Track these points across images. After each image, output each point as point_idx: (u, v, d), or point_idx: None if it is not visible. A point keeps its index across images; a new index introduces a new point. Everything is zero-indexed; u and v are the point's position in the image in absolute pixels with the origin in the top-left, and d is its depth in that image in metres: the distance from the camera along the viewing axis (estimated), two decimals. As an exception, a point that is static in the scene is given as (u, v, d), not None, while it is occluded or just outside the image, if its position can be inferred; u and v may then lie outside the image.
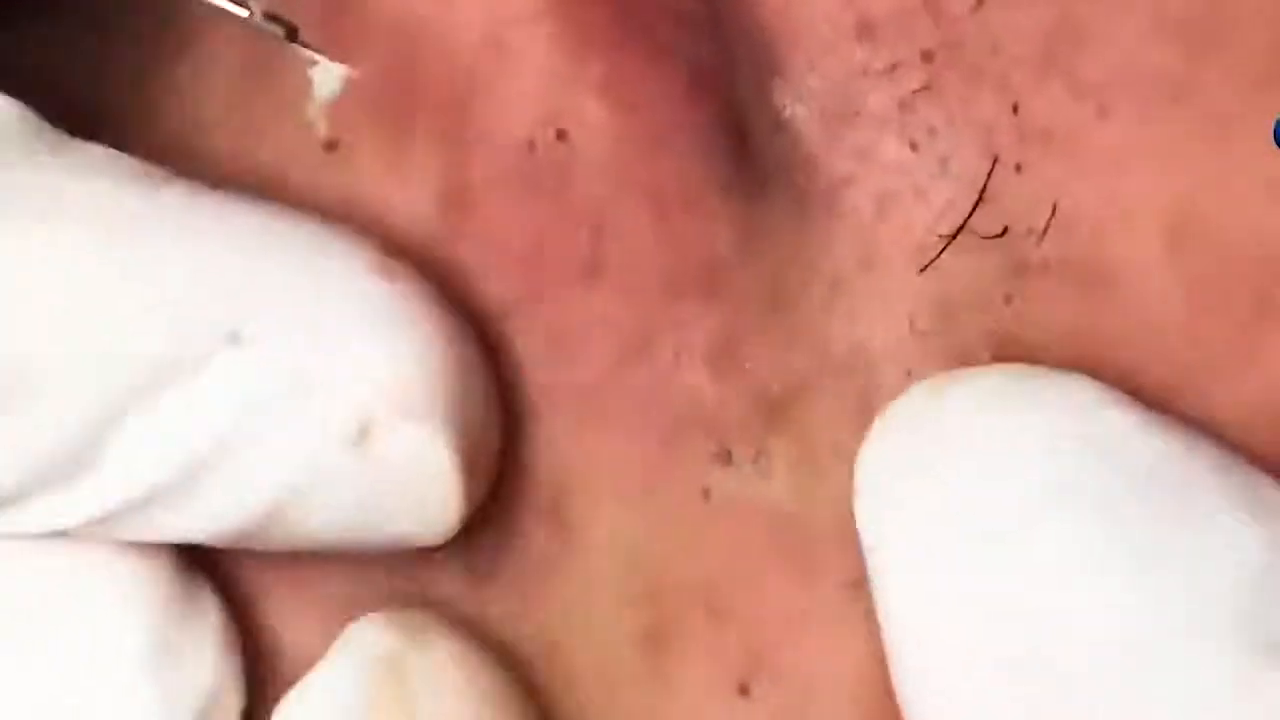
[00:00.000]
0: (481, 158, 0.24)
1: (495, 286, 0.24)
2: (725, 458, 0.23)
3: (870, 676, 0.22)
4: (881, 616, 0.21)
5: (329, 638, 0.23)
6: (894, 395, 0.22)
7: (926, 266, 0.23)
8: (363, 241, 0.23)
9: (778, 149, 0.24)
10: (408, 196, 0.24)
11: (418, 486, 0.22)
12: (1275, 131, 0.20)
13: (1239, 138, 0.21)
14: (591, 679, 0.24)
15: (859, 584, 0.22)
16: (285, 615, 0.24)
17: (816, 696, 0.23)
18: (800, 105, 0.23)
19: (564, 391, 0.24)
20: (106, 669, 0.22)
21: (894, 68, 0.23)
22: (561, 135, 0.23)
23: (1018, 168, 0.22)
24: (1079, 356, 0.22)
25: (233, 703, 0.23)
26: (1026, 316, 0.22)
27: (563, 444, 0.24)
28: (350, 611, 0.24)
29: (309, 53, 0.22)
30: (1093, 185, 0.22)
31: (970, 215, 0.22)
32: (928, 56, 0.23)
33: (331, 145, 0.24)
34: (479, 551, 0.24)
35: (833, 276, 0.23)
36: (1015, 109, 0.22)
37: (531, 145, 0.23)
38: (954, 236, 0.22)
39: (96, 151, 0.22)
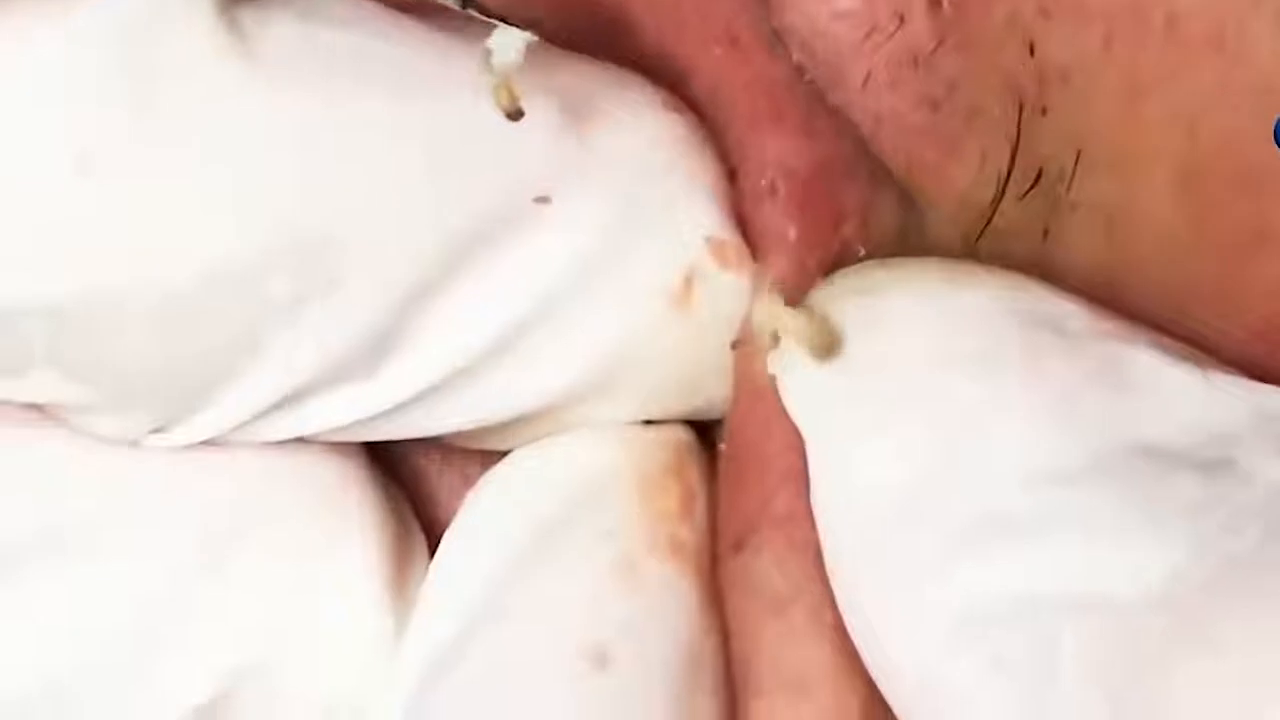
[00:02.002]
0: None
1: None
2: None
3: None
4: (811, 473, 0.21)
5: None
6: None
7: (979, 236, 0.23)
8: (646, 82, 0.22)
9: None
10: None
11: (730, 331, 0.22)
12: (1275, 131, 0.20)
13: (1230, 59, 0.21)
14: None
15: None
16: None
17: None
18: (807, 56, 0.22)
19: None
20: (342, 592, 0.21)
21: (901, 19, 0.22)
22: None
23: (1043, 111, 0.22)
24: (1106, 283, 0.22)
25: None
26: (1060, 250, 0.23)
27: None
28: None
29: (484, 19, 0.20)
30: (1109, 121, 0.22)
31: (1010, 173, 0.22)
32: (934, 3, 0.22)
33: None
34: None
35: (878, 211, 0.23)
36: (1031, 50, 0.22)
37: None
38: (998, 201, 0.22)
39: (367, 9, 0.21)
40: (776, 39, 0.22)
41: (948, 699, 0.19)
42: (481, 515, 0.22)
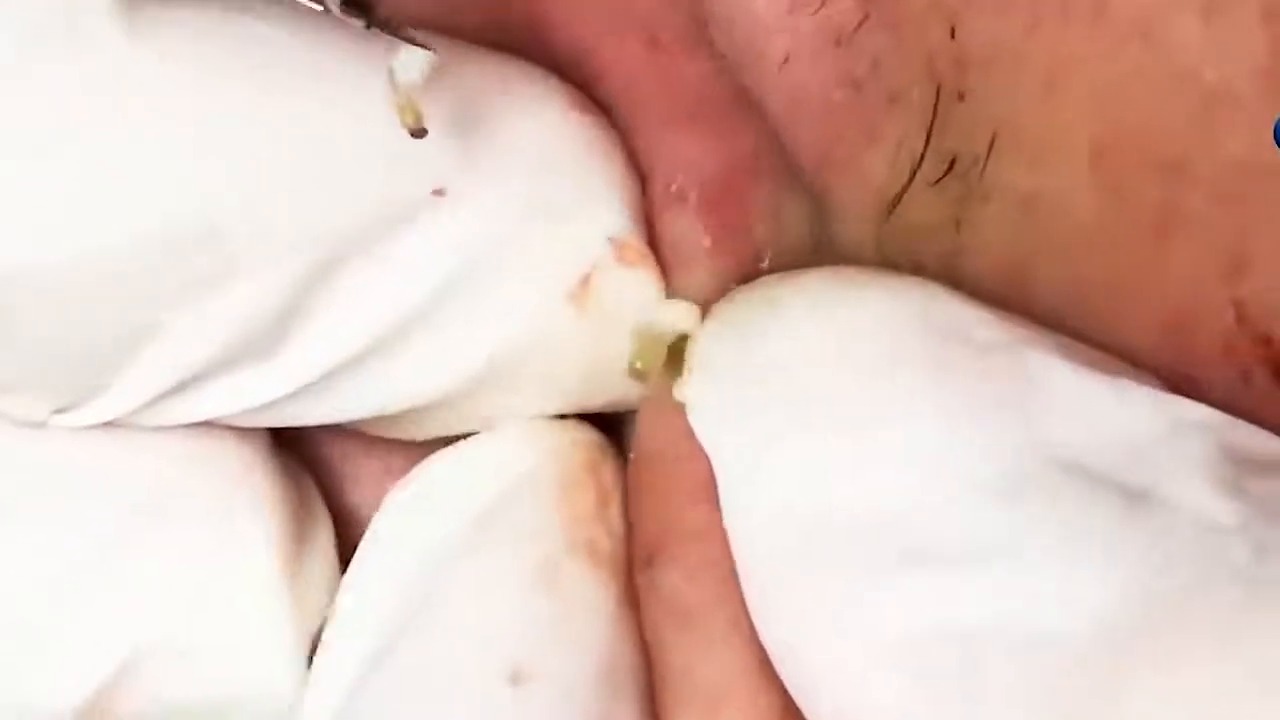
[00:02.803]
0: None
1: None
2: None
3: None
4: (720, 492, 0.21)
5: None
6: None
7: (889, 213, 0.22)
8: (555, 80, 0.22)
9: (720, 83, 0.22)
10: None
11: (628, 330, 0.21)
12: (1275, 131, 0.20)
13: (1154, 45, 0.20)
14: None
15: None
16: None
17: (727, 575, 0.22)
18: (725, 35, 0.22)
19: None
20: (239, 573, 0.21)
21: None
22: None
23: (961, 96, 0.22)
24: (1014, 281, 0.22)
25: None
26: (973, 242, 0.22)
27: None
28: None
29: (389, 39, 0.20)
30: (1027, 107, 0.21)
31: (923, 157, 0.22)
32: None
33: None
34: None
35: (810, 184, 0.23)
36: (953, 33, 0.21)
37: None
38: (909, 183, 0.22)
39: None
40: (697, 35, 0.22)
41: (868, 717, 0.19)
42: (398, 522, 0.22)
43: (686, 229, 0.23)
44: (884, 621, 0.19)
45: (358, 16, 0.20)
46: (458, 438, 0.23)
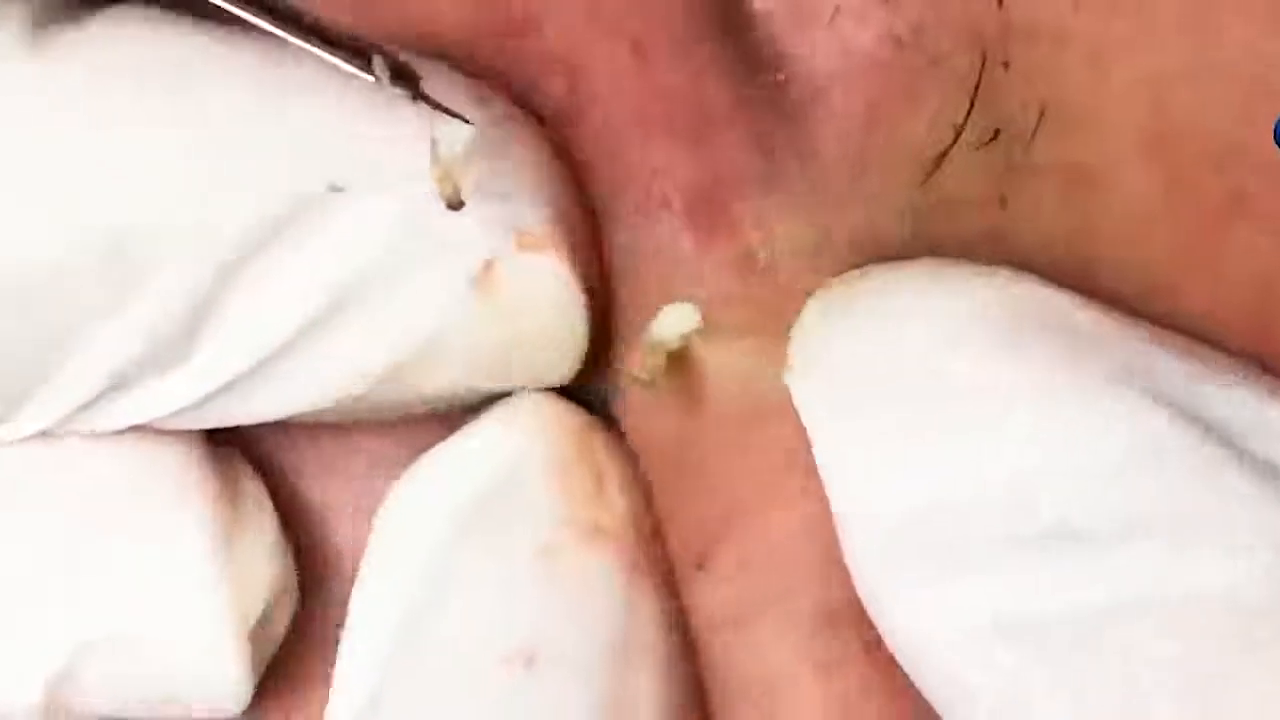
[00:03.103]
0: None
1: None
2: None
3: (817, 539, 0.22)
4: (826, 482, 0.21)
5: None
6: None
7: (926, 179, 0.22)
8: (454, 71, 0.22)
9: (757, 44, 0.22)
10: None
11: (546, 318, 0.21)
12: (1275, 131, 0.21)
13: (1215, 27, 0.21)
14: None
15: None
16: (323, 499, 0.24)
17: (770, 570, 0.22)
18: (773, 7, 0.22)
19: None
20: (173, 572, 0.21)
21: None
22: None
23: (1006, 65, 0.21)
24: (1067, 257, 0.22)
25: (290, 597, 0.23)
26: (1020, 218, 0.22)
27: None
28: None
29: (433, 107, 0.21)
30: (1075, 83, 0.21)
31: (965, 123, 0.21)
32: None
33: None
34: None
35: (829, 165, 0.22)
36: (1000, 1, 0.21)
37: None
38: (949, 148, 0.22)
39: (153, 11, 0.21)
40: (684, 44, 0.22)
41: (996, 695, 0.19)
42: (400, 518, 0.22)
43: (672, 233, 0.22)
44: (1021, 602, 0.19)
45: (405, 88, 0.20)
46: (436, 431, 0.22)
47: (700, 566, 0.22)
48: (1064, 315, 0.20)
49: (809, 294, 0.22)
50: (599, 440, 0.22)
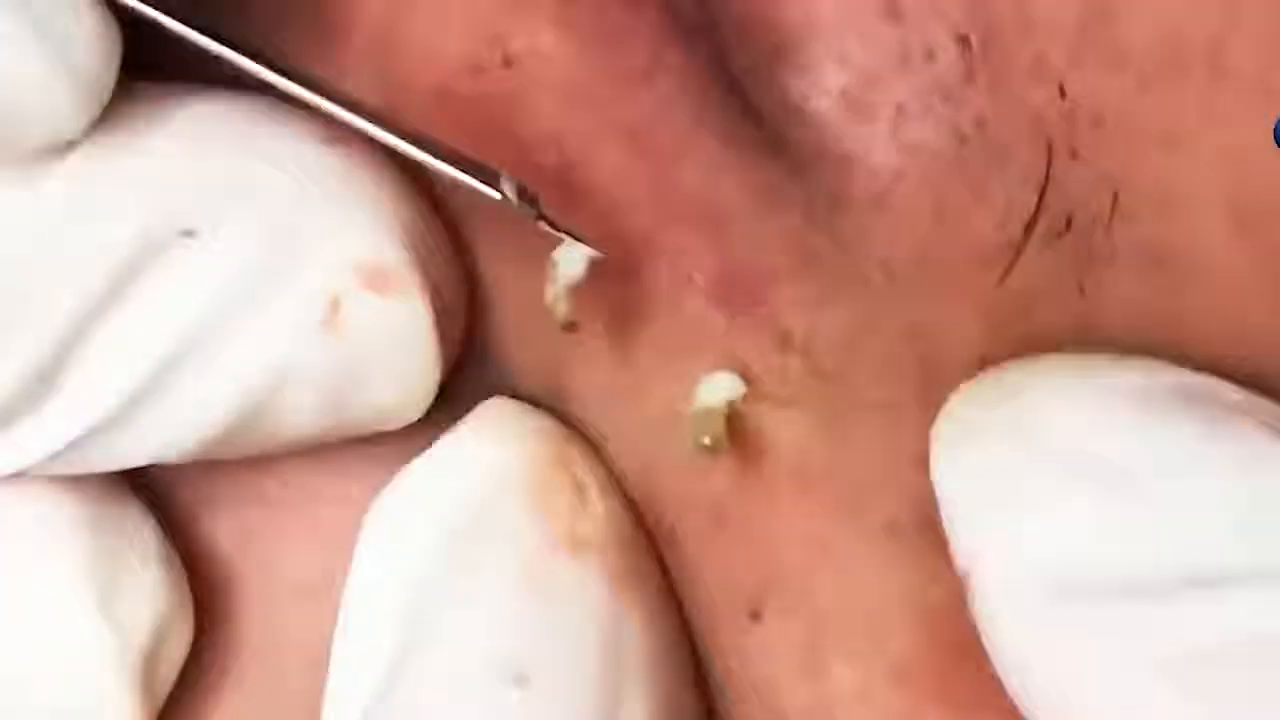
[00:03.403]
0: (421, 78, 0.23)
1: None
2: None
3: (889, 612, 0.22)
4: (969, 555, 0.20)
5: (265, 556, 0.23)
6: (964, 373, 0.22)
7: (1004, 278, 0.21)
8: (310, 115, 0.22)
9: (801, 142, 0.21)
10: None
11: (394, 357, 0.22)
12: (1276, 131, 0.20)
13: None
14: None
15: (894, 527, 0.22)
16: (221, 532, 0.24)
17: (829, 625, 0.22)
18: (825, 98, 0.21)
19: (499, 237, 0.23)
20: (51, 611, 0.22)
21: (931, 54, 0.21)
22: (509, 62, 0.22)
23: (1073, 154, 0.21)
24: (1159, 341, 0.21)
25: (183, 627, 0.23)
26: (1103, 304, 0.21)
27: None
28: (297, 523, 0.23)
29: (554, 233, 0.22)
30: (1148, 164, 0.21)
31: (1037, 214, 0.21)
32: (963, 40, 0.21)
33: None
34: None
35: (882, 257, 0.22)
36: (1062, 92, 0.21)
37: (478, 68, 0.22)
38: (1024, 243, 0.21)
39: None
40: (697, 136, 0.22)
41: None
42: (382, 538, 0.22)
43: (700, 311, 0.22)
44: (1166, 642, 0.18)
45: (529, 209, 0.21)
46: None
47: (754, 623, 0.22)
48: (1213, 392, 0.20)
49: (856, 376, 0.22)
50: (577, 450, 0.22)
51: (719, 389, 0.22)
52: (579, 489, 0.22)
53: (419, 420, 0.23)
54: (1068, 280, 0.21)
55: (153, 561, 0.23)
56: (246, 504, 0.24)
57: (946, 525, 0.21)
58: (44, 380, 0.21)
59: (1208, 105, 0.21)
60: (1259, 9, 0.21)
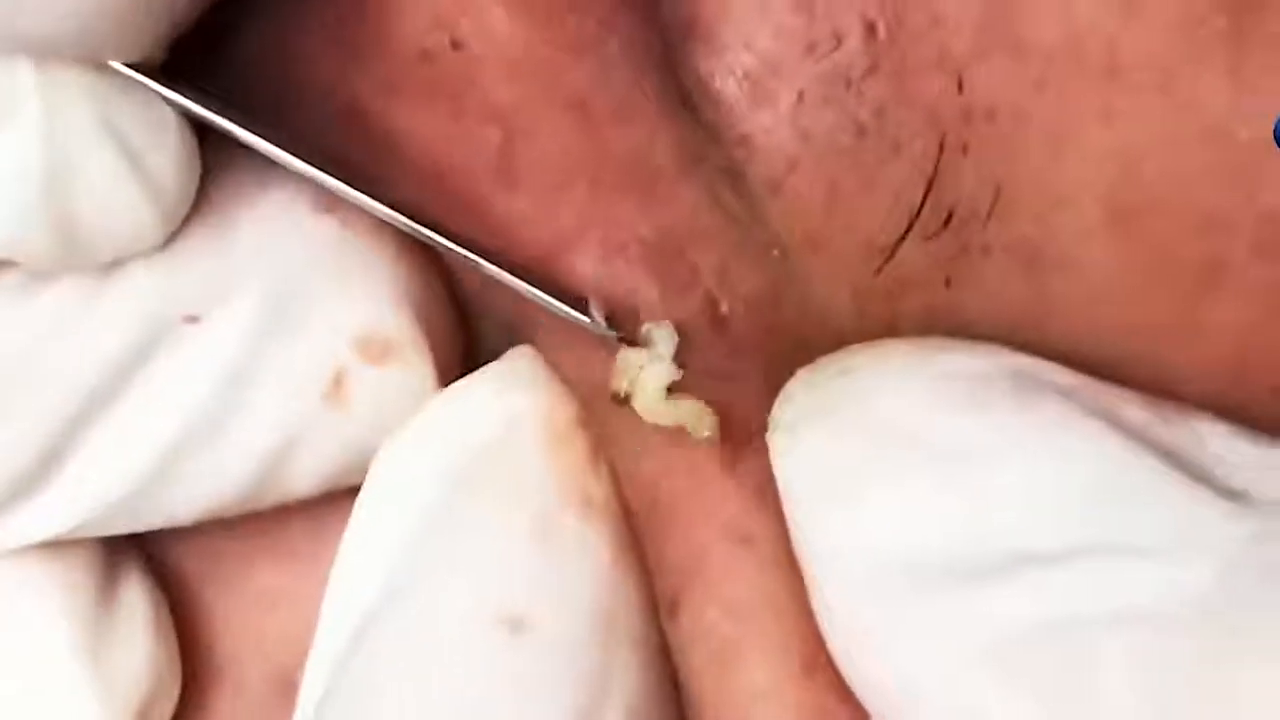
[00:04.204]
0: (374, 68, 0.22)
1: (403, 195, 0.22)
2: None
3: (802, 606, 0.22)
4: (801, 541, 0.21)
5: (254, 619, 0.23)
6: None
7: (881, 268, 0.22)
8: (299, 181, 0.22)
9: (710, 120, 0.22)
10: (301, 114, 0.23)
11: (400, 423, 0.22)
12: (1275, 131, 0.21)
13: (1179, 105, 0.21)
14: None
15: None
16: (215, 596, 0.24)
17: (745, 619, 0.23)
18: (730, 80, 0.21)
19: (495, 295, 0.23)
20: (41, 669, 0.22)
21: (836, 41, 0.21)
22: (457, 45, 0.22)
23: (964, 149, 0.21)
24: (1019, 339, 0.22)
25: (171, 685, 0.23)
26: (967, 297, 0.22)
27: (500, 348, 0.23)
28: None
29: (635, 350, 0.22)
30: (1033, 162, 0.21)
31: (922, 207, 0.22)
32: (870, 28, 0.21)
33: None
34: None
35: (781, 234, 0.22)
36: (960, 85, 0.21)
37: (427, 55, 0.22)
38: (906, 233, 0.22)
39: None
40: (632, 105, 0.22)
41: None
42: (395, 475, 0.22)
43: (632, 283, 0.23)
44: (989, 629, 0.19)
45: (617, 332, 0.22)
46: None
47: (673, 613, 0.22)
48: (1043, 374, 0.21)
49: (768, 347, 0.22)
50: (594, 418, 0.22)
51: (648, 367, 0.22)
52: (594, 451, 0.22)
53: None
54: (937, 272, 0.22)
55: (144, 628, 0.23)
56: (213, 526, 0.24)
57: (786, 514, 0.21)
58: (47, 464, 0.21)
59: (1101, 105, 0.21)
60: (1159, 10, 0.21)
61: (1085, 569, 0.19)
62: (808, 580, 0.21)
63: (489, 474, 0.21)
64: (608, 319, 0.22)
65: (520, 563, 0.21)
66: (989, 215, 0.21)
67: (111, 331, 0.21)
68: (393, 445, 0.22)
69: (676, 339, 0.22)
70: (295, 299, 0.22)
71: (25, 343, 0.21)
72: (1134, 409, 0.20)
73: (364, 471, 0.22)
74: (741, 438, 0.22)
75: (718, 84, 0.21)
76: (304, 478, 0.22)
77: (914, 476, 0.20)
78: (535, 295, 0.22)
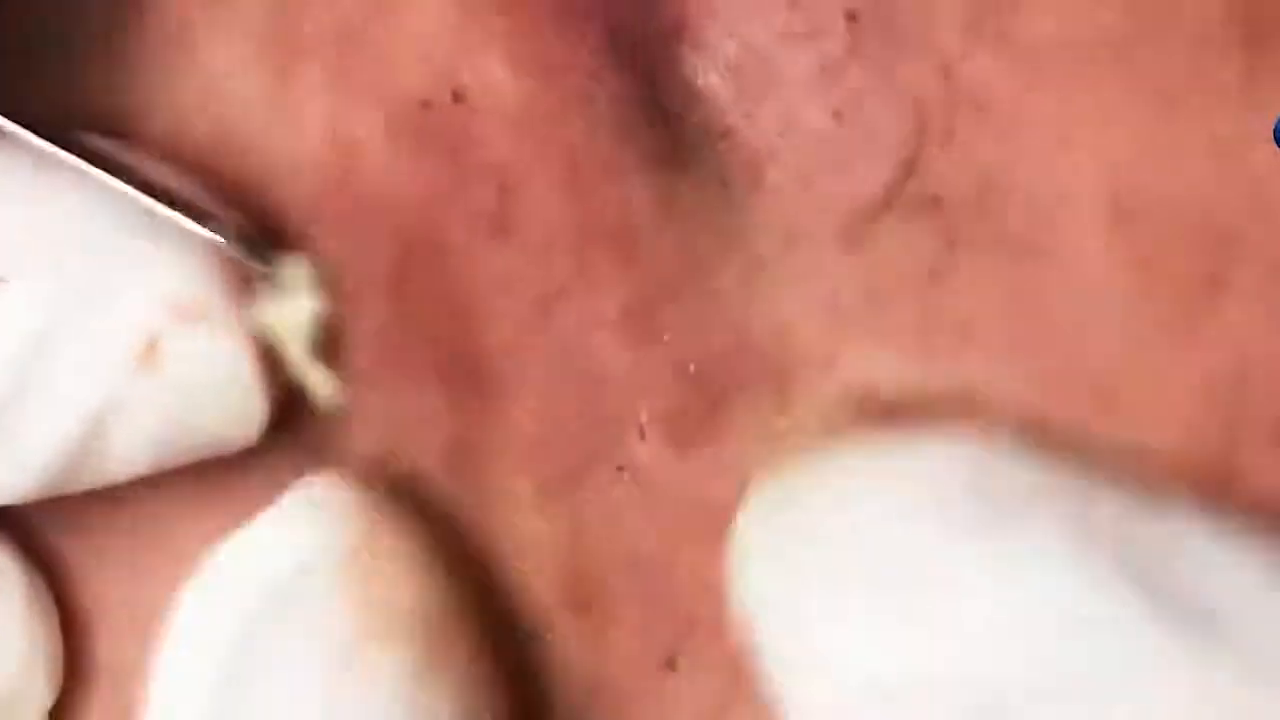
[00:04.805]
0: (372, 115, 0.23)
1: (389, 246, 0.23)
2: (640, 433, 0.22)
3: None
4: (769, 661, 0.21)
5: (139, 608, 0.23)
6: (815, 379, 0.22)
7: (851, 245, 0.22)
8: (123, 150, 0.22)
9: (695, 120, 0.22)
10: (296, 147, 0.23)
11: (217, 390, 0.22)
12: (1275, 131, 0.20)
13: (1183, 105, 0.20)
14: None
15: None
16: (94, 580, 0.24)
17: (743, 673, 0.22)
18: (715, 74, 0.22)
19: (470, 355, 0.23)
20: None
21: (816, 31, 0.21)
22: (459, 96, 0.22)
23: (949, 136, 0.21)
24: (1011, 336, 0.21)
25: (52, 672, 0.23)
26: (956, 294, 0.21)
27: (472, 409, 0.23)
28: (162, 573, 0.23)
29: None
30: (1028, 155, 0.21)
31: (898, 190, 0.21)
32: (852, 17, 0.21)
33: None
34: None
35: (755, 253, 0.22)
36: (946, 74, 0.21)
37: (427, 105, 0.23)
38: (878, 213, 0.21)
39: None
40: (618, 161, 0.22)
41: None
42: (191, 625, 0.22)
43: (609, 348, 0.23)
44: None
45: (261, 260, 0.22)
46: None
47: (671, 666, 0.22)
48: (1008, 478, 0.20)
49: (739, 405, 0.22)
50: (389, 528, 0.22)
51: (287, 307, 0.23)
52: (389, 569, 0.22)
53: (274, 443, 0.23)
54: (921, 266, 0.21)
55: (17, 608, 0.23)
56: (100, 534, 0.24)
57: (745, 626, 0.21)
58: None
59: (1103, 107, 0.21)
60: (1170, 20, 0.21)
61: (1051, 713, 0.18)
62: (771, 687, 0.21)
63: (286, 611, 0.21)
64: (255, 246, 0.22)
65: (326, 700, 0.21)
66: (976, 205, 0.21)
67: None
68: (186, 596, 0.22)
69: (314, 273, 0.22)
70: (107, 262, 0.22)
71: None
72: (1107, 504, 0.19)
73: (185, 449, 0.22)
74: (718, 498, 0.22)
75: (702, 79, 0.22)
76: (126, 446, 0.22)
77: (878, 601, 0.20)
78: (169, 213, 0.22)
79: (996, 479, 0.20)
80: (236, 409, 0.22)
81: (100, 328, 0.22)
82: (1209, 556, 0.19)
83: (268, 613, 0.21)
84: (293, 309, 0.22)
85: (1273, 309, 0.20)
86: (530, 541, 0.23)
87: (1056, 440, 0.21)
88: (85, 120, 0.23)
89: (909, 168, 0.21)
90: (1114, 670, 0.18)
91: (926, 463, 0.20)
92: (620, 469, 0.23)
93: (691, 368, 0.22)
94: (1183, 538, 0.19)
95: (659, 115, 0.22)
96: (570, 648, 0.23)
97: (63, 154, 0.22)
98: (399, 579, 0.22)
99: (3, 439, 0.22)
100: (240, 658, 0.21)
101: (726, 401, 0.22)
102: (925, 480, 0.20)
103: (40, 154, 0.22)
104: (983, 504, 0.20)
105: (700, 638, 0.22)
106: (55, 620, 0.23)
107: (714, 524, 0.22)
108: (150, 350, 0.22)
